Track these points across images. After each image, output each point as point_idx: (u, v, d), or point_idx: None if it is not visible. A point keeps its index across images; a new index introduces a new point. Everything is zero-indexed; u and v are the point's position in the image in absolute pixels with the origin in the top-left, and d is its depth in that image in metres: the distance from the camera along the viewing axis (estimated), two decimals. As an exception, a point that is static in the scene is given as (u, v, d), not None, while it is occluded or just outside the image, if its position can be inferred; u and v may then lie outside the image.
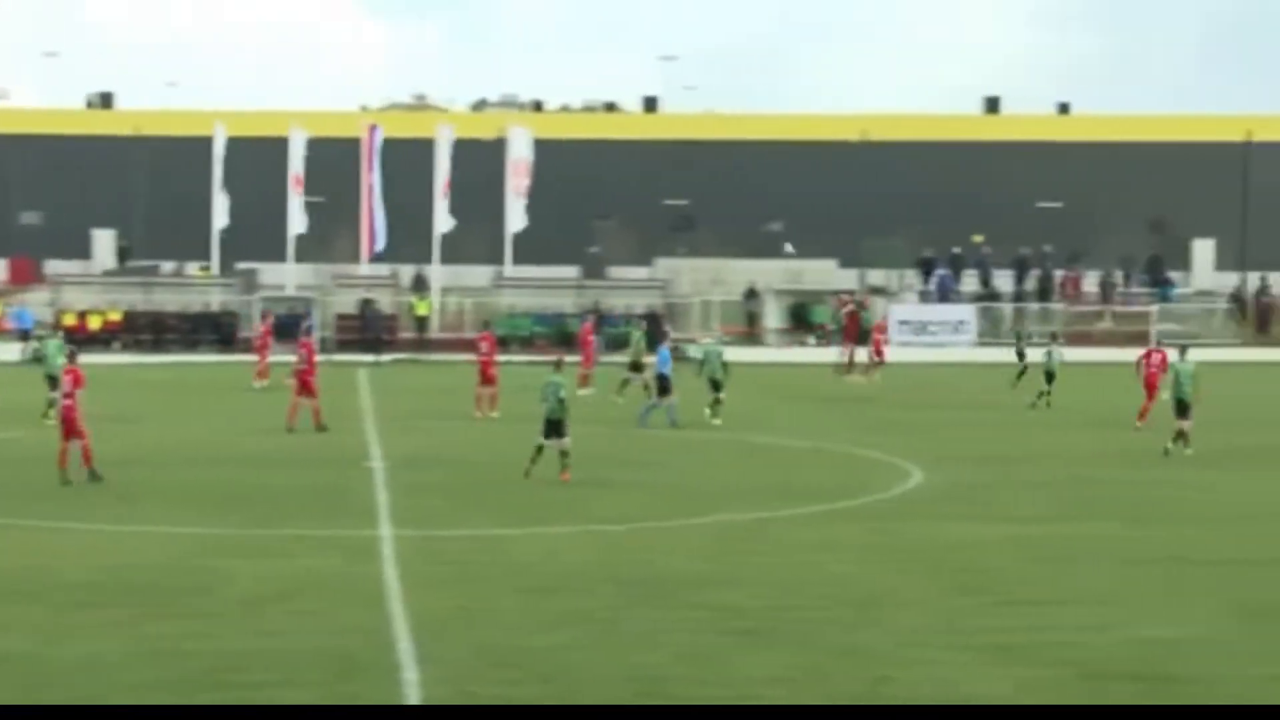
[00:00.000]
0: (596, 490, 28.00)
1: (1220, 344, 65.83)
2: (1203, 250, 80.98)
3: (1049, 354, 44.53)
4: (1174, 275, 76.86)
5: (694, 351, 40.10)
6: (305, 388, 37.39)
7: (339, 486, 28.45)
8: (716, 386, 39.08)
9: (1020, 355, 48.00)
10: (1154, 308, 71.39)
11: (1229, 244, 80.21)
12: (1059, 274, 74.59)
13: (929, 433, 38.05)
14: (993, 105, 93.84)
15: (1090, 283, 74.92)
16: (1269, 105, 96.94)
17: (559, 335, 65.31)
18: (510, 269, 70.93)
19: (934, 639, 17.27)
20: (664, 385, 38.85)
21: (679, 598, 19.24)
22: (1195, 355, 35.14)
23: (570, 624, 17.91)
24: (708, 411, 38.64)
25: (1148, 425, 37.05)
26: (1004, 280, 74.45)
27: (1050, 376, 43.80)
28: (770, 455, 33.97)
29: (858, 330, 51.92)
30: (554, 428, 29.03)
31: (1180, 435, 33.36)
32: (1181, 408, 33.48)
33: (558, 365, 30.57)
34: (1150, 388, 38.46)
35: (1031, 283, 74.39)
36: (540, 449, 29.04)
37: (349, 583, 20.02)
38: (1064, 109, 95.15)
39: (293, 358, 39.07)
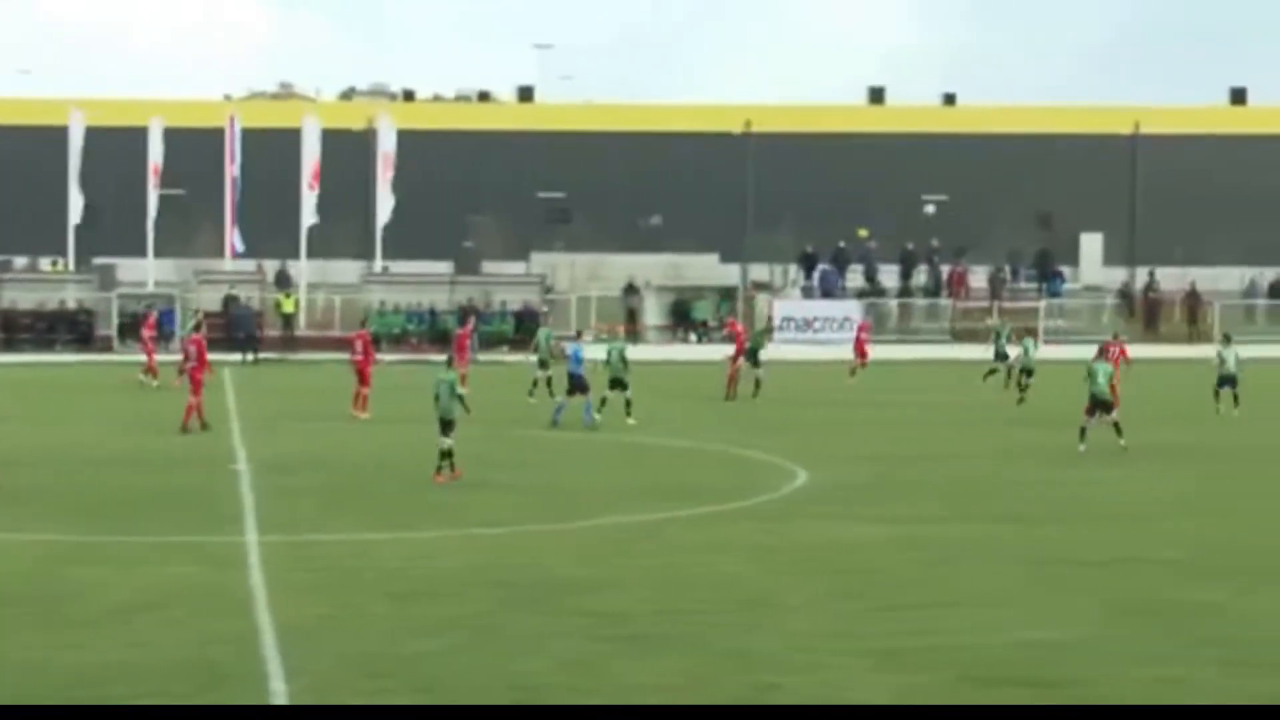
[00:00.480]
0: (474, 493, 27.96)
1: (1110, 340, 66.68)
2: (1091, 245, 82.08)
3: (1025, 350, 45.89)
4: (1062, 270, 77.87)
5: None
6: (195, 386, 37.34)
7: (204, 490, 28.24)
8: (619, 385, 39.25)
9: (1000, 355, 49.24)
10: (1042, 303, 72.25)
11: (1117, 239, 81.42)
12: (946, 269, 75.31)
13: (815, 432, 38.32)
14: (877, 96, 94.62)
15: (978, 278, 75.70)
16: (1157, 96, 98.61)
17: (433, 333, 65.10)
18: (380, 264, 70.60)
19: (822, 643, 17.42)
20: (578, 384, 38.93)
21: (560, 603, 19.26)
22: (1083, 352, 35.76)
23: (445, 631, 17.88)
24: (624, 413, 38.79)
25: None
26: (890, 275, 75.05)
27: (1028, 372, 45.19)
28: (653, 456, 34.06)
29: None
30: (447, 426, 29.10)
31: (1083, 433, 33.99)
32: (1095, 403, 34.18)
33: (450, 363, 30.71)
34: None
35: (918, 278, 75.06)
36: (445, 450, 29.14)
37: (215, 591, 19.87)
38: (949, 100, 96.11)
39: (178, 356, 38.86)
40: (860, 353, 52.80)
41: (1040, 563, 22.05)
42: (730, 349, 47.72)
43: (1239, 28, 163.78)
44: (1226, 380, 42.46)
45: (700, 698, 15.29)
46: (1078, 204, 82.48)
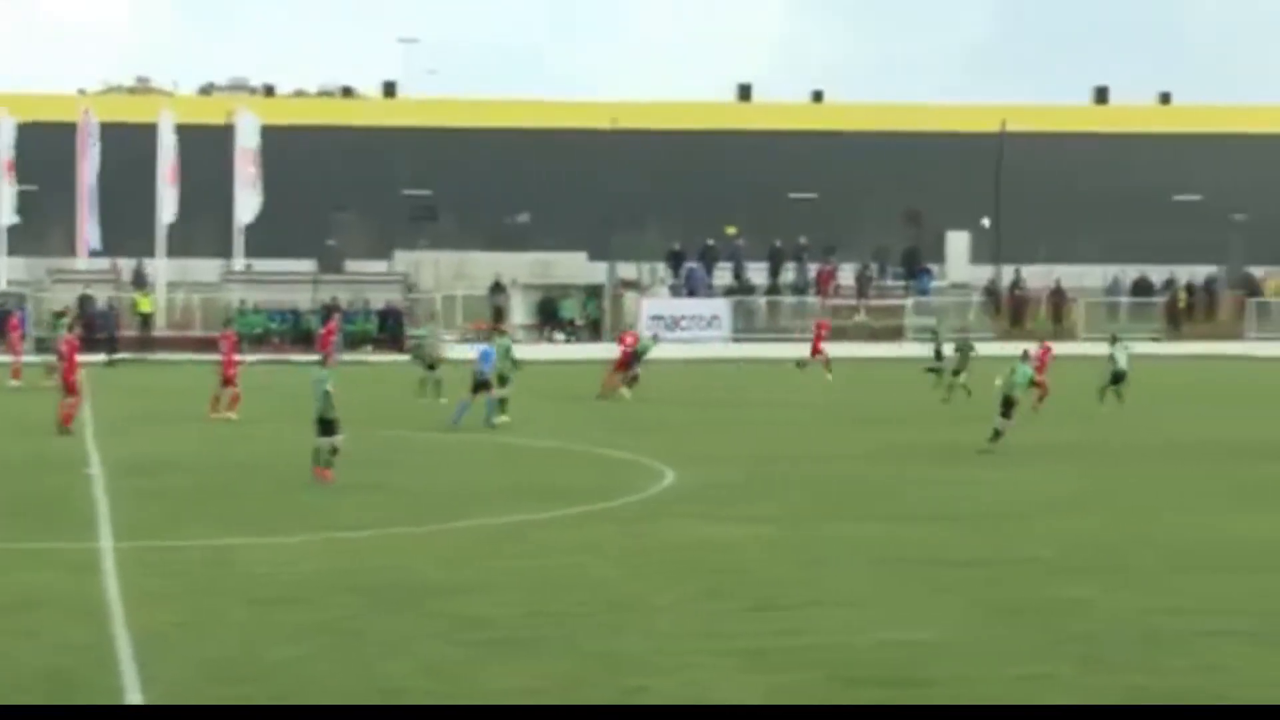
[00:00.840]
0: (338, 495, 27.74)
1: (974, 337, 67.47)
2: (957, 242, 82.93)
3: (961, 350, 46.61)
4: (930, 268, 78.66)
5: (482, 349, 40.62)
6: (70, 388, 36.93)
7: (57, 495, 27.80)
8: (503, 382, 39.41)
9: (939, 354, 49.73)
10: (909, 301, 72.96)
11: (983, 236, 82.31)
12: (814, 266, 75.83)
13: (683, 432, 38.42)
14: (745, 93, 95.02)
15: (846, 275, 76.30)
16: (1023, 96, 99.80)
17: (295, 332, 64.61)
18: (241, 262, 69.93)
19: (689, 644, 17.44)
20: (482, 383, 38.88)
21: (426, 606, 19.15)
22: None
23: (307, 636, 17.72)
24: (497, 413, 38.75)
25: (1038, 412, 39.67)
26: (758, 273, 75.46)
27: (958, 371, 45.77)
28: (520, 457, 33.99)
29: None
30: (325, 425, 28.89)
31: (997, 434, 34.49)
32: (1008, 405, 34.63)
33: (324, 361, 30.56)
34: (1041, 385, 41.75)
35: (786, 275, 75.53)
36: (318, 449, 28.88)
37: (68, 598, 19.56)
38: (818, 98, 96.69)
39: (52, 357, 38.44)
40: (816, 350, 53.45)
41: (910, 562, 22.22)
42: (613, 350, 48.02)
43: (1102, 27, 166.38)
44: (1118, 377, 43.57)
45: (567, 701, 15.26)
46: (945, 202, 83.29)
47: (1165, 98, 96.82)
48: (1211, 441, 36.51)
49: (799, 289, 74.85)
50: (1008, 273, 78.08)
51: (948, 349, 48.55)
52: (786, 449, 35.30)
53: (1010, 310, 74.26)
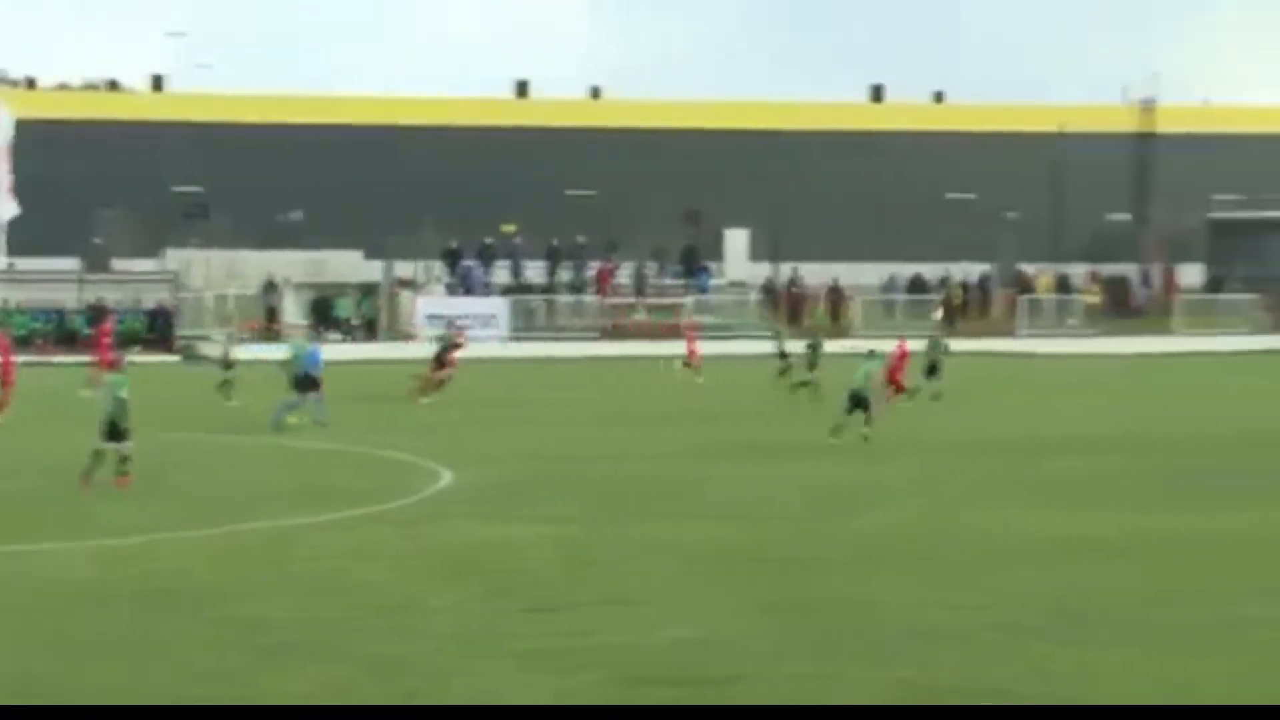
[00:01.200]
0: (111, 500, 27.23)
1: (753, 336, 68.26)
2: (736, 241, 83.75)
3: (812, 347, 46.81)
4: (708, 266, 79.34)
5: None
6: None
7: None
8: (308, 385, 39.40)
9: (782, 354, 49.92)
10: (689, 299, 73.50)
11: (762, 234, 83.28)
12: (594, 265, 76.11)
13: (460, 432, 38.30)
14: (522, 89, 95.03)
15: (625, 274, 76.67)
16: (800, 93, 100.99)
17: (60, 333, 63.31)
18: (3, 261, 68.33)
19: (469, 647, 17.41)
20: (310, 383, 38.78)
21: (199, 613, 18.89)
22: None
23: (77, 645, 17.39)
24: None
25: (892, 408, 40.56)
26: (537, 272, 75.53)
27: (812, 367, 46.00)
28: (298, 459, 33.65)
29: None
30: (113, 431, 28.28)
31: (839, 429, 35.24)
32: (856, 401, 35.39)
33: (113, 365, 29.93)
34: (897, 382, 42.84)
35: (564, 274, 75.72)
36: (100, 454, 28.22)
37: None
38: (595, 94, 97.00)
39: None
40: (690, 354, 53.65)
41: (695, 560, 22.37)
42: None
43: (877, 25, 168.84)
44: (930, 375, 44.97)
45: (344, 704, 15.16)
46: (724, 200, 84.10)
47: (939, 96, 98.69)
48: (995, 438, 37.22)
49: (577, 288, 75.06)
50: (786, 270, 79.01)
51: (793, 347, 49.34)
52: (565, 448, 35.37)
53: (788, 308, 75.14)
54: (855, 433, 35.07)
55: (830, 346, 49.05)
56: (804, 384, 45.55)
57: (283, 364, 41.02)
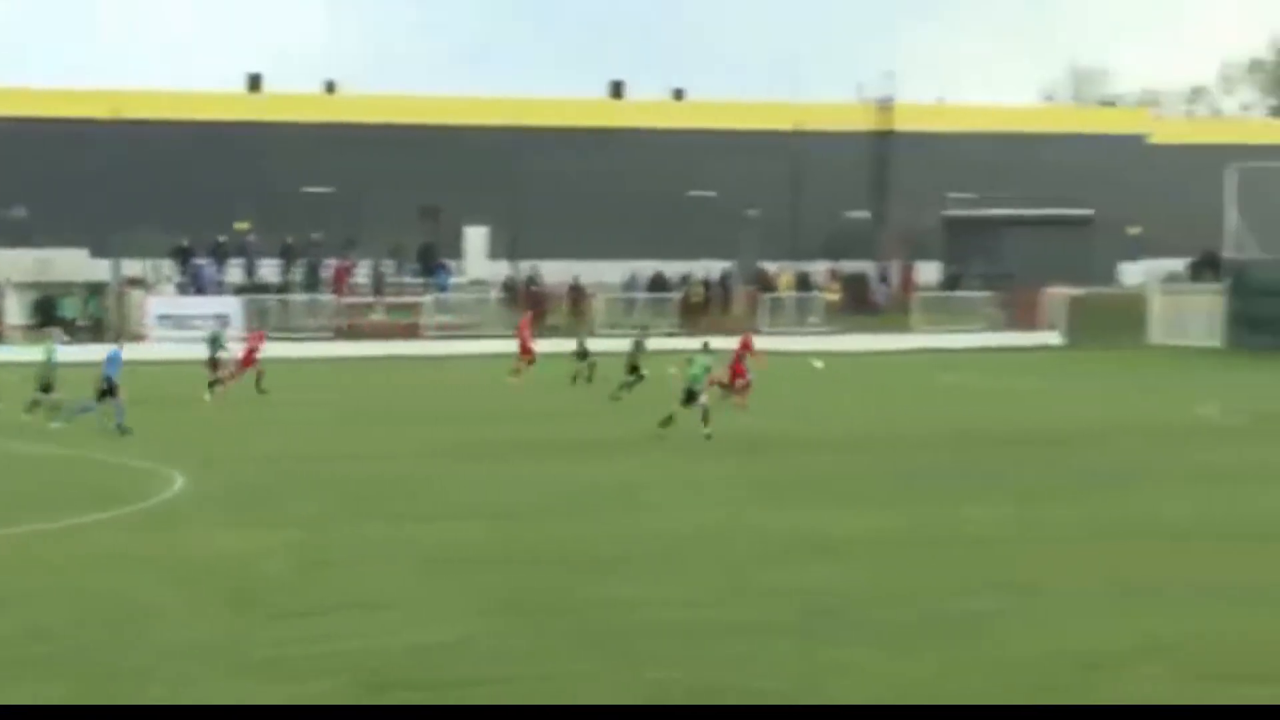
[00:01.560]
0: None
1: (493, 335, 68.25)
2: (475, 238, 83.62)
3: (636, 345, 47.23)
4: (447, 263, 79.09)
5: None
6: None
7: None
8: (48, 390, 39.39)
9: (581, 354, 50.42)
10: (428, 298, 73.21)
11: (502, 232, 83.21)
12: (330, 263, 75.42)
13: (193, 435, 37.73)
14: (255, 83, 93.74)
15: (363, 273, 76.11)
16: (539, 89, 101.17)
17: None
18: None
19: (202, 656, 17.12)
20: (109, 388, 38.20)
21: (-84, 627, 18.35)
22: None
23: None
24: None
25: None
26: (272, 270, 74.65)
27: (634, 369, 46.10)
28: (30, 464, 32.87)
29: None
30: None
31: (670, 420, 36.06)
32: (690, 396, 36.05)
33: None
34: (739, 374, 43.41)
35: (299, 273, 74.94)
36: None
37: None
38: (330, 88, 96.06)
39: None
40: (524, 350, 53.04)
41: (434, 562, 22.27)
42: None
43: (616, 21, 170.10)
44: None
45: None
46: (463, 196, 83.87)
47: (679, 94, 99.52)
48: (735, 436, 37.60)
49: (312, 287, 74.33)
50: (526, 268, 79.07)
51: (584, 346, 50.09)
52: (308, 449, 35.02)
53: (528, 306, 75.18)
54: (699, 431, 35.63)
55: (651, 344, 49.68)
56: (629, 384, 45.90)
57: (40, 366, 40.29)
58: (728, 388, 43.05)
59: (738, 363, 43.95)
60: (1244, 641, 17.82)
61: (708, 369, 37.54)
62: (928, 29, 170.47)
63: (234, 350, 49.19)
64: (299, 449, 35.20)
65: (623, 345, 49.59)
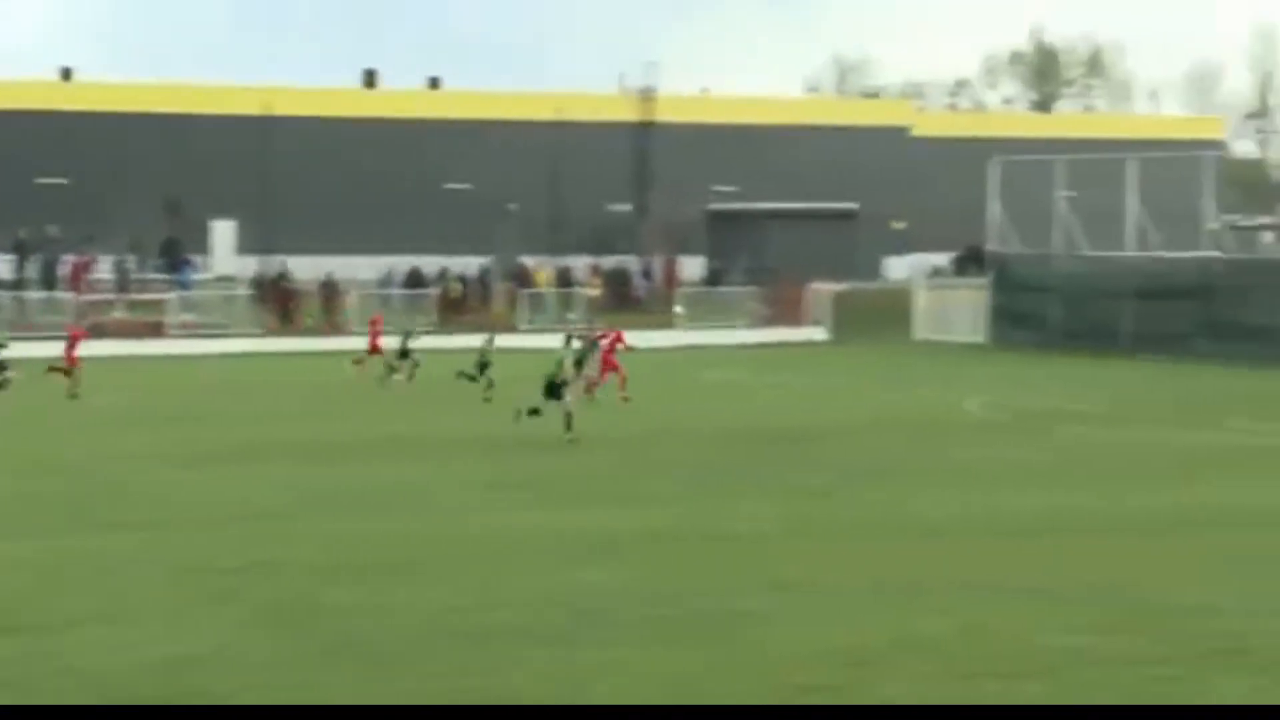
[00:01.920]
0: None
1: (242, 334, 67.35)
2: (223, 233, 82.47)
3: (487, 341, 47.25)
4: (192, 259, 77.91)
5: None
6: None
7: None
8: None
9: (404, 353, 50.06)
10: (172, 295, 71.98)
11: (250, 226, 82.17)
12: (68, 259, 73.87)
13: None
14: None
15: (105, 269, 74.61)
16: (290, 77, 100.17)
17: None
18: None
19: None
20: None
21: None
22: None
23: None
24: None
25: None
26: (4, 266, 72.98)
27: (484, 367, 45.86)
28: None
29: None
30: None
31: (535, 411, 35.57)
32: (552, 390, 35.68)
33: None
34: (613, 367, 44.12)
35: (34, 269, 73.34)
36: None
37: None
38: (66, 75, 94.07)
39: None
40: (373, 347, 52.15)
41: (173, 571, 21.81)
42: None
43: (369, 9, 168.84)
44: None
45: None
46: (209, 189, 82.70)
47: (435, 83, 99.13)
48: (485, 436, 37.53)
49: (48, 283, 72.70)
50: (276, 264, 78.16)
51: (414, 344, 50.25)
52: (50, 454, 34.22)
53: (278, 304, 74.26)
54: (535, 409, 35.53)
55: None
56: (472, 378, 45.89)
57: None
58: (596, 384, 43.48)
59: (608, 354, 44.47)
60: (1006, 637, 18.16)
61: (586, 359, 37.85)
62: (691, 18, 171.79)
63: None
64: (37, 453, 34.37)
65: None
